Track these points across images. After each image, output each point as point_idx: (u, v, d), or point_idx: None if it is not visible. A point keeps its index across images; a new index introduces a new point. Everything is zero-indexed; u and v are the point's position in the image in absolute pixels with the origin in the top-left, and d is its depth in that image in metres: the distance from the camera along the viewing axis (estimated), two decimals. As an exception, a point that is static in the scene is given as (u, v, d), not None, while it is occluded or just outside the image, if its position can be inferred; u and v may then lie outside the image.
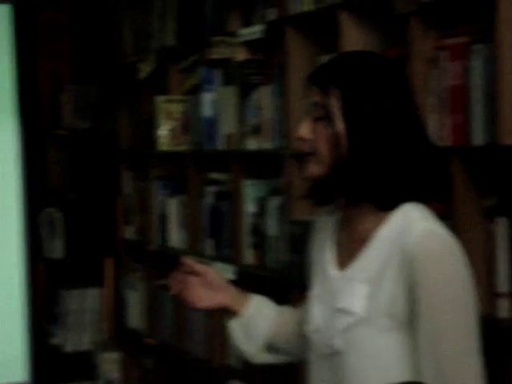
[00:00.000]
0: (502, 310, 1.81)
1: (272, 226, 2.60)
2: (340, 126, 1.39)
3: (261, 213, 2.67)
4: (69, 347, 4.00)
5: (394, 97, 1.41)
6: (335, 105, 1.40)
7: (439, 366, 1.32)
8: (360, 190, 1.41)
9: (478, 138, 1.84)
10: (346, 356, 1.40)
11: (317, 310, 1.48)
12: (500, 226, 1.82)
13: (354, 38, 2.19)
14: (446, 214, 1.89)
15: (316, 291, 1.50)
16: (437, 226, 1.38)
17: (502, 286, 1.81)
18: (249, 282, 2.70)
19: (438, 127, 1.95)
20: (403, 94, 1.43)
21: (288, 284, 2.42)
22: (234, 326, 1.61)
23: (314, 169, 1.43)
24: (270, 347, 1.63)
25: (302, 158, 1.46)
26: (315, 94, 1.43)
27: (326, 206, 1.53)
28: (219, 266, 2.83)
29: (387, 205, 1.41)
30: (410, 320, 1.36)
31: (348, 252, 1.46)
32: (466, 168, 1.86)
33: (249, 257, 2.73)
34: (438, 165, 1.45)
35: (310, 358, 1.51)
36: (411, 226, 1.37)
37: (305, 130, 1.44)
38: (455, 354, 1.32)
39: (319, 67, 1.49)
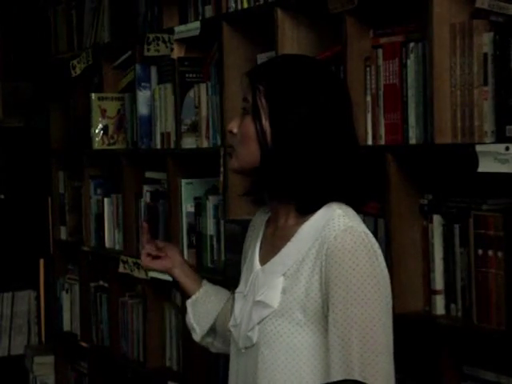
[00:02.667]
0: (438, 306, 1.83)
1: (209, 226, 2.59)
2: (264, 122, 1.42)
3: (198, 212, 2.65)
4: (0, 351, 3.89)
5: (319, 98, 1.42)
6: (261, 101, 1.42)
7: (346, 360, 1.33)
8: (283, 189, 1.43)
9: (413, 136, 1.86)
10: (261, 348, 1.42)
11: (237, 306, 1.51)
12: (435, 223, 1.84)
13: (290, 36, 2.19)
14: (381, 212, 1.91)
15: (240, 287, 1.54)
16: (356, 223, 1.40)
17: (438, 283, 1.83)
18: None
19: (373, 126, 1.96)
20: (330, 95, 1.44)
21: (225, 283, 2.40)
22: (188, 304, 1.70)
23: (233, 163, 1.48)
24: (213, 331, 1.70)
25: (230, 151, 1.49)
26: (246, 89, 1.46)
27: (261, 204, 1.54)
28: (156, 266, 2.79)
29: (308, 207, 1.43)
30: (325, 316, 1.37)
31: (271, 247, 1.48)
32: (401, 167, 1.88)
33: (186, 257, 2.70)
34: (365, 166, 1.47)
35: (231, 353, 1.54)
36: (331, 221, 1.39)
37: (233, 124, 1.48)
38: (362, 349, 1.33)
39: (257, 65, 1.51)
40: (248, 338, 1.45)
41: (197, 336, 1.72)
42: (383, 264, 1.39)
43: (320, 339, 1.38)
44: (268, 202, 1.51)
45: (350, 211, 1.43)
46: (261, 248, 1.51)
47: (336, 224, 1.38)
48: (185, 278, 1.71)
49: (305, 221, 1.43)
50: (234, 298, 1.56)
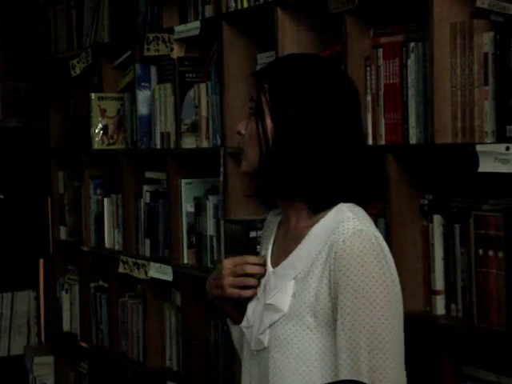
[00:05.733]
0: (438, 307, 1.83)
1: (209, 226, 2.58)
2: (268, 122, 1.40)
3: (198, 212, 2.65)
4: (0, 352, 3.89)
5: (323, 95, 1.40)
6: (265, 99, 1.41)
7: (354, 365, 1.32)
8: (289, 189, 1.41)
9: (414, 136, 1.86)
10: (271, 352, 1.40)
11: (250, 306, 1.49)
12: (436, 223, 1.84)
13: (290, 35, 2.19)
14: (382, 212, 1.90)
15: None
16: (366, 226, 1.37)
17: (438, 283, 1.83)
18: (186, 282, 2.67)
19: (373, 126, 1.96)
20: (336, 93, 1.42)
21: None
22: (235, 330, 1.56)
23: (244, 165, 1.45)
24: None
25: (239, 153, 1.47)
26: (253, 89, 1.45)
27: (269, 205, 1.53)
28: (156, 266, 2.79)
29: (319, 205, 1.41)
30: (334, 319, 1.36)
31: (283, 249, 1.46)
32: (401, 166, 1.87)
33: (186, 257, 2.70)
34: (371, 165, 1.46)
35: (243, 355, 1.52)
36: (340, 225, 1.37)
37: (241, 125, 1.46)
38: (371, 354, 1.31)
39: (266, 65, 1.52)
40: (259, 342, 1.43)
41: None
42: (393, 268, 1.37)
43: (330, 343, 1.36)
44: (278, 203, 1.48)
45: (361, 213, 1.41)
46: (273, 250, 1.49)
47: (345, 227, 1.36)
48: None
49: (315, 222, 1.41)
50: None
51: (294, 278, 1.40)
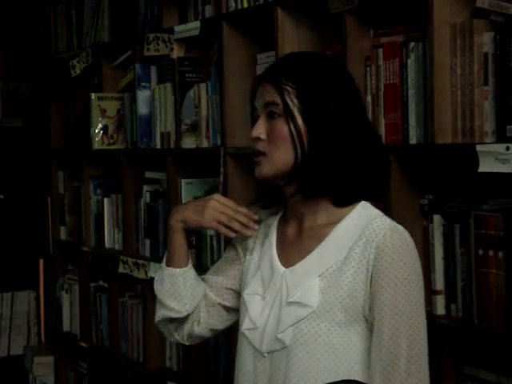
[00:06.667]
0: (439, 307, 1.83)
1: (209, 226, 2.58)
2: (300, 124, 1.41)
3: (198, 212, 2.65)
4: (0, 352, 3.88)
5: (347, 94, 1.44)
6: (293, 103, 1.41)
7: (393, 356, 1.35)
8: (320, 186, 1.42)
9: (414, 136, 1.86)
10: (294, 350, 1.39)
11: (254, 308, 1.47)
12: (436, 223, 1.84)
13: (290, 35, 2.19)
14: (382, 211, 1.90)
15: (252, 289, 1.49)
16: (395, 223, 1.42)
17: (438, 283, 1.83)
18: (186, 282, 2.67)
19: (374, 126, 1.96)
20: (353, 92, 1.46)
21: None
22: (179, 273, 1.53)
23: (266, 170, 1.45)
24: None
25: (256, 158, 1.46)
26: (269, 92, 1.44)
27: (272, 207, 1.53)
28: (156, 266, 2.79)
29: (344, 201, 1.44)
30: (366, 316, 1.38)
31: (297, 249, 1.46)
32: (401, 166, 1.88)
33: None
34: (386, 162, 1.51)
35: (241, 360, 1.49)
36: (373, 221, 1.41)
37: (260, 129, 1.45)
38: (409, 346, 1.35)
39: (271, 66, 1.51)
40: (278, 341, 1.41)
41: (182, 309, 1.52)
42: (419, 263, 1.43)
43: (358, 339, 1.38)
44: (289, 202, 1.48)
45: (379, 210, 1.45)
46: (281, 250, 1.49)
47: (380, 223, 1.40)
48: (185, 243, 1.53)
49: (339, 220, 1.43)
50: (241, 302, 1.52)
51: (320, 276, 1.40)
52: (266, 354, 1.44)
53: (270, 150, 1.43)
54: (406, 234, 1.41)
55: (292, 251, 1.47)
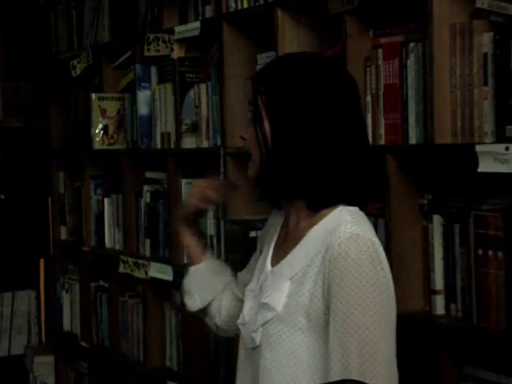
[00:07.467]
0: (438, 306, 1.83)
1: (209, 226, 2.58)
2: (266, 124, 1.40)
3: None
4: (1, 351, 3.89)
5: (319, 96, 1.39)
6: (262, 102, 1.41)
7: (344, 369, 1.32)
8: (289, 189, 1.41)
9: (413, 136, 1.86)
10: (263, 351, 1.41)
11: (247, 303, 1.49)
12: (435, 223, 1.84)
13: (290, 35, 2.19)
14: (381, 212, 1.91)
15: (251, 285, 1.52)
16: (364, 231, 1.37)
17: (438, 283, 1.83)
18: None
19: (373, 126, 1.96)
20: (334, 93, 1.40)
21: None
22: (194, 271, 1.64)
23: (250, 171, 1.45)
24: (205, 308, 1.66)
25: (247, 158, 1.47)
26: (249, 92, 1.45)
27: (277, 206, 1.53)
28: (157, 266, 2.79)
29: (317, 204, 1.41)
30: (326, 322, 1.36)
31: (282, 249, 1.47)
32: (401, 166, 1.88)
33: (186, 257, 2.70)
34: (373, 166, 1.45)
35: (240, 352, 1.52)
36: (338, 228, 1.37)
37: (243, 129, 1.46)
38: (361, 359, 1.31)
39: (263, 67, 1.50)
40: (252, 339, 1.44)
41: (194, 305, 1.64)
42: (388, 274, 1.37)
43: (321, 346, 1.37)
44: (282, 203, 1.49)
45: (362, 218, 1.41)
46: (274, 249, 1.50)
47: (342, 231, 1.36)
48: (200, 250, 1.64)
49: (314, 224, 1.41)
50: (243, 293, 1.54)
51: (291, 279, 1.40)
52: (250, 350, 1.46)
53: (251, 150, 1.45)
54: (367, 243, 1.34)
55: (280, 251, 1.48)
